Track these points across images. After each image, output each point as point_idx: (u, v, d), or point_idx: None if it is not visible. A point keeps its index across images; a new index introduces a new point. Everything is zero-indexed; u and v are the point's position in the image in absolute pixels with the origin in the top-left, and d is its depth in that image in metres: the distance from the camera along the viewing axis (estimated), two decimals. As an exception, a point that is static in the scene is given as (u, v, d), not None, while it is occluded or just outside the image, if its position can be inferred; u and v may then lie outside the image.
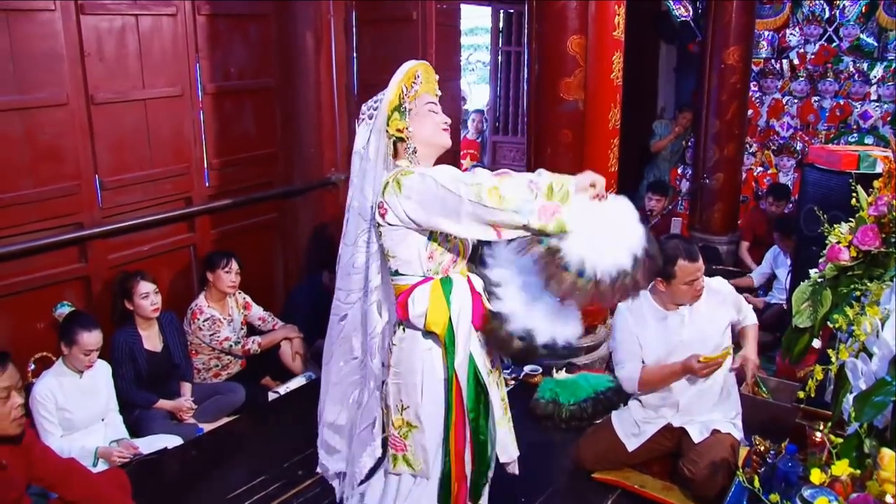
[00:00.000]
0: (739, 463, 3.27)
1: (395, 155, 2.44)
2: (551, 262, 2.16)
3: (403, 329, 2.46)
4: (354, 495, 2.72)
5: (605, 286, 2.15)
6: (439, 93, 2.50)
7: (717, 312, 3.34)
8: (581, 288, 2.15)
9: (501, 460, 2.63)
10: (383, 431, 2.59)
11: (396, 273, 2.41)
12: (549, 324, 2.36)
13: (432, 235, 2.35)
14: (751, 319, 3.48)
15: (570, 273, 2.14)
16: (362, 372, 2.61)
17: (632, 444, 3.43)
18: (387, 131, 2.39)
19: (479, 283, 2.46)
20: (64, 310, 3.94)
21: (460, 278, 2.43)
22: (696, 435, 3.33)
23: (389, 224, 2.32)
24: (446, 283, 2.40)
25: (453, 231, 2.26)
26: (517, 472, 2.75)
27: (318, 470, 2.83)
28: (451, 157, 2.84)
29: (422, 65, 2.45)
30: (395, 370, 2.48)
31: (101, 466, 3.54)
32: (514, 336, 2.36)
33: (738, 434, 3.38)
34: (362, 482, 2.69)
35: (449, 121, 2.45)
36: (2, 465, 2.54)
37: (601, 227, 2.18)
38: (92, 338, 3.59)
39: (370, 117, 2.43)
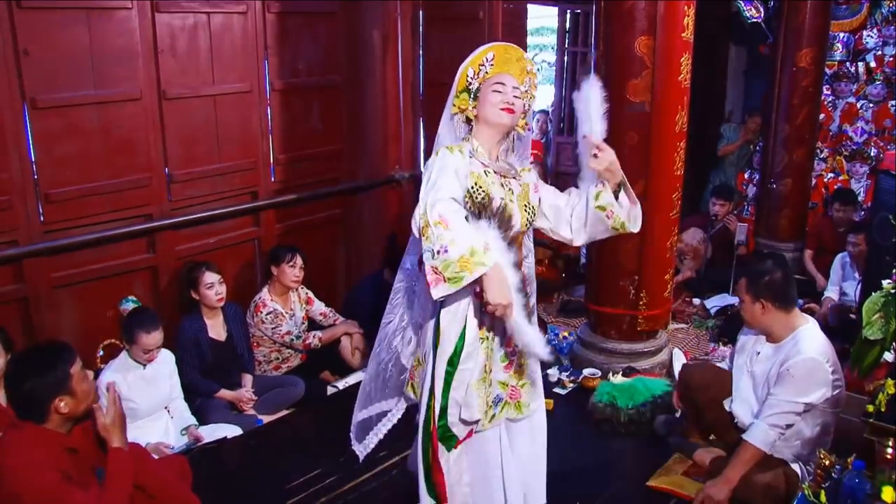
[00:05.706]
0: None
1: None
2: None
3: None
4: None
5: None
6: (530, 70, 2.64)
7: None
8: None
9: (463, 416, 2.51)
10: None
11: None
12: None
13: None
14: (754, 432, 3.15)
15: None
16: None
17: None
18: (452, 108, 2.56)
19: None
20: (128, 305, 4.02)
21: None
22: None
23: None
24: None
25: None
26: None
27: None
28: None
29: (497, 47, 2.56)
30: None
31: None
32: None
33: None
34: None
35: (511, 101, 2.50)
36: (74, 450, 2.62)
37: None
38: (151, 339, 3.67)
39: None
